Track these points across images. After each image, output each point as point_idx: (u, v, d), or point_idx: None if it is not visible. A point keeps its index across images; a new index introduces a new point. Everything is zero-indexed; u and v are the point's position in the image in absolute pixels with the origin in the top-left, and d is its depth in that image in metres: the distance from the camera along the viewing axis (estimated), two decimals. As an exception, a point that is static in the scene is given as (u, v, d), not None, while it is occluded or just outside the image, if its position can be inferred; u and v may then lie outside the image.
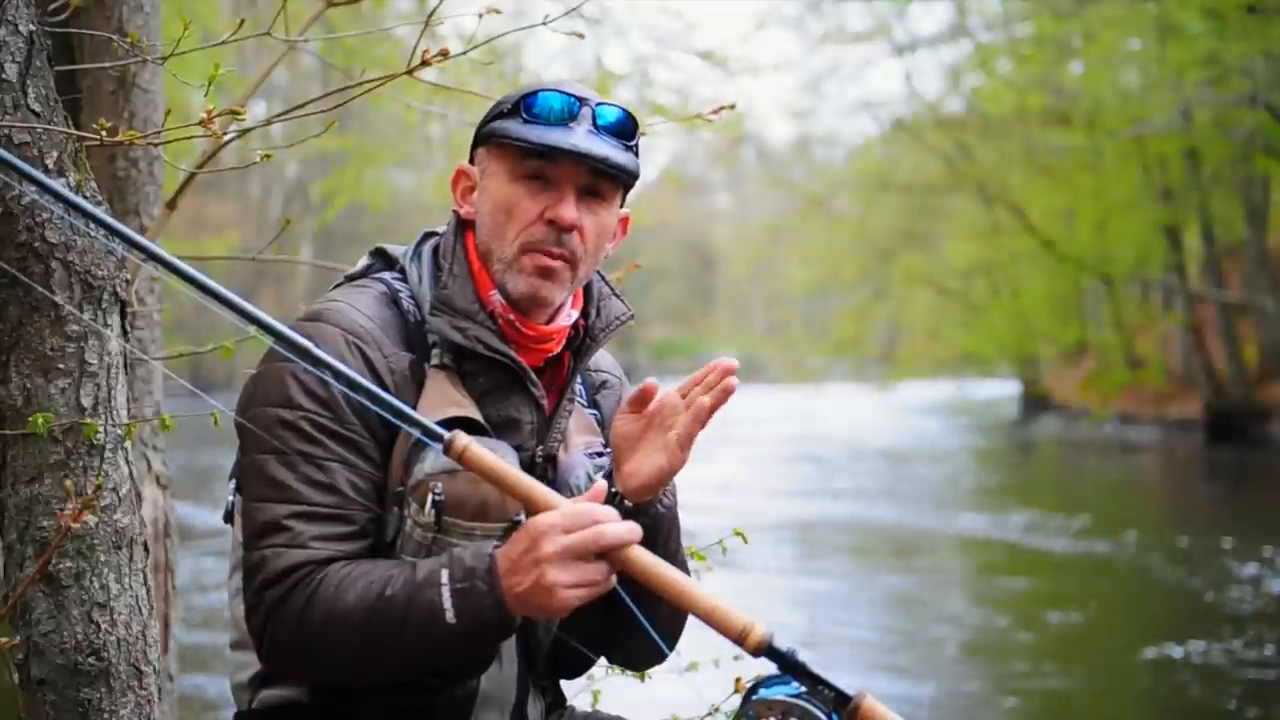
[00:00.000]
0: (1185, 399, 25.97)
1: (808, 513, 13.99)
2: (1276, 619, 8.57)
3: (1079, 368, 32.00)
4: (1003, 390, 38.27)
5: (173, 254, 1.75)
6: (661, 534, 1.96)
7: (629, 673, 2.56)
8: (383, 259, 2.04)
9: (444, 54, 2.21)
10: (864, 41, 28.80)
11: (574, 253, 1.91)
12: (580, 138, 1.88)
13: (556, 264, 1.91)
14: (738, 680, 2.22)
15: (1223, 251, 25.17)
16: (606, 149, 1.89)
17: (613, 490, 1.91)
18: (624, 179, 1.94)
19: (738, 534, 2.62)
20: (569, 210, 1.89)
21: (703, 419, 1.86)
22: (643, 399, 1.90)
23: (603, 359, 2.14)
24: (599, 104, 1.91)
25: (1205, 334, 24.76)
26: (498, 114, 1.93)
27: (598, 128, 1.90)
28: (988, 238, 29.76)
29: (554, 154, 1.88)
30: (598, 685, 2.81)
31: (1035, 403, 33.02)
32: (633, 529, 1.69)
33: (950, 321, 33.27)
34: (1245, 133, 19.86)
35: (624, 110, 1.92)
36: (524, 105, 1.90)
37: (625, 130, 1.92)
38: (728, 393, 1.85)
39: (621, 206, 2.00)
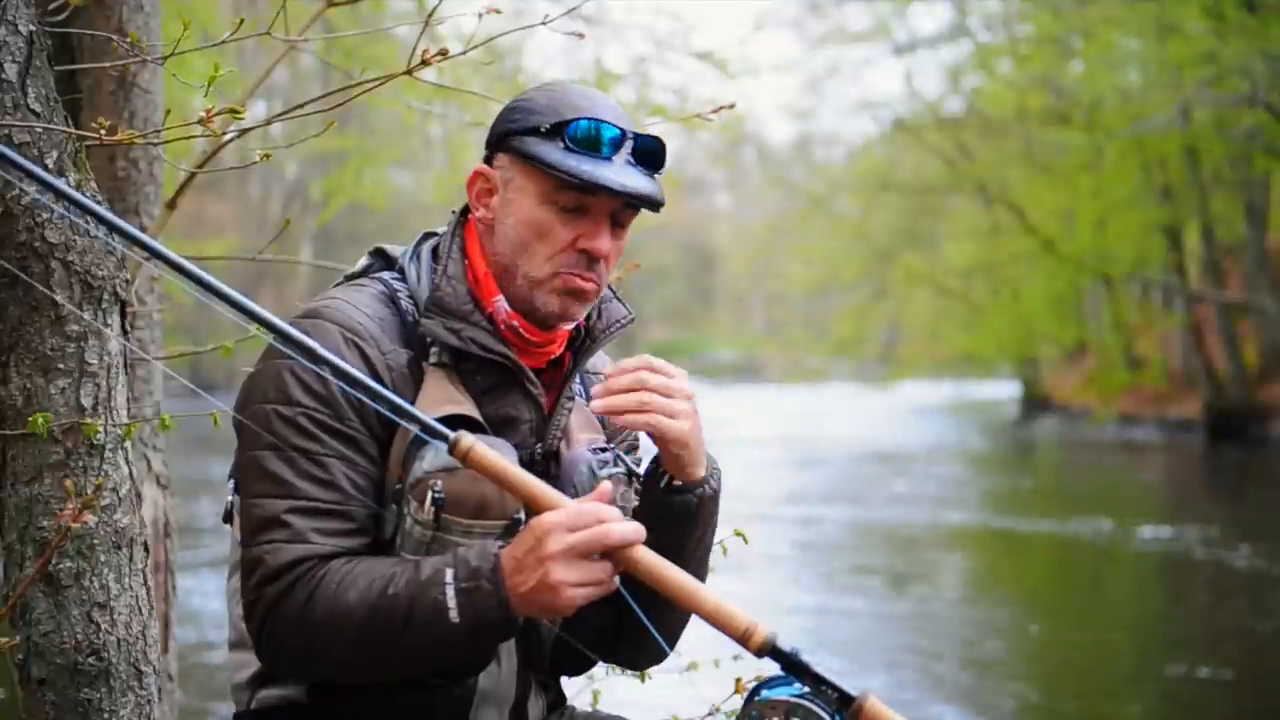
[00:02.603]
0: (1185, 399, 25.96)
1: (808, 514, 13.98)
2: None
3: (1079, 368, 31.97)
4: (1003, 391, 38.24)
5: (174, 253, 1.75)
6: (703, 517, 1.96)
7: (629, 672, 2.55)
8: (382, 259, 2.04)
9: (444, 54, 2.21)
10: (864, 42, 28.82)
11: (601, 277, 1.94)
12: (619, 171, 1.88)
13: (589, 286, 1.92)
14: (738, 681, 2.22)
15: (1223, 251, 25.17)
16: (642, 182, 1.90)
17: (661, 470, 1.93)
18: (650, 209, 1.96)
19: (738, 534, 2.62)
20: (604, 242, 1.91)
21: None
22: None
23: (597, 358, 2.14)
24: (637, 135, 1.91)
25: (1205, 334, 24.75)
26: (530, 129, 1.90)
27: (634, 158, 1.91)
28: (988, 238, 29.73)
29: (595, 189, 1.88)
30: (598, 685, 2.81)
31: (1035, 403, 32.96)
32: (637, 529, 1.69)
33: (950, 322, 33.22)
34: (1245, 132, 19.85)
35: (658, 141, 1.93)
36: (565, 133, 1.88)
37: (658, 160, 1.93)
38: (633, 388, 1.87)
39: None
